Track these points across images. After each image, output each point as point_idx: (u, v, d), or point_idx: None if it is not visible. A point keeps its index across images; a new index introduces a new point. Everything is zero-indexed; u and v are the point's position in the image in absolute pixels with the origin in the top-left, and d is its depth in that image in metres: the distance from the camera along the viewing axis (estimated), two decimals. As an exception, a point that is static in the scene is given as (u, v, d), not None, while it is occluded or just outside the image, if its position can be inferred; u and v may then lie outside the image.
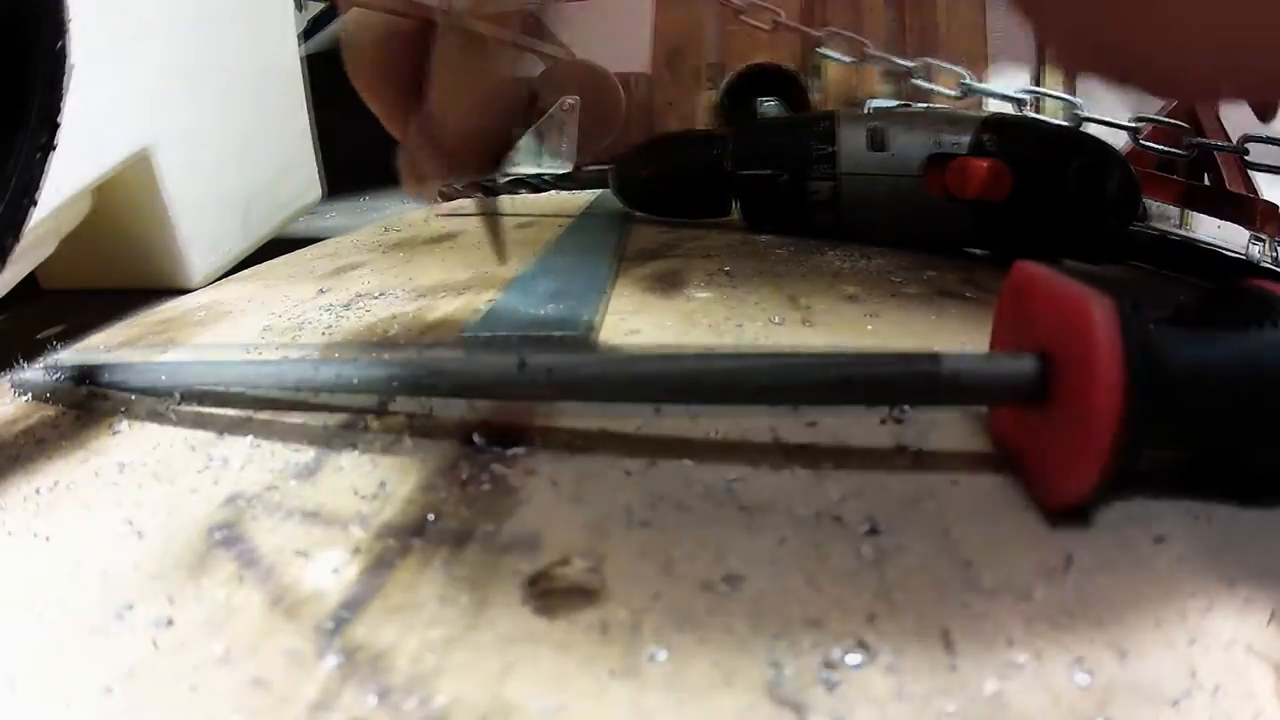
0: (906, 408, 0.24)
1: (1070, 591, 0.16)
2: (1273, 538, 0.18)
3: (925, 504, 0.19)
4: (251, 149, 0.55)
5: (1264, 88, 0.24)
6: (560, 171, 1.04)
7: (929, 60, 0.68)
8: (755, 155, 0.53)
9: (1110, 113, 0.53)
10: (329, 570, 0.17)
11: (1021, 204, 0.42)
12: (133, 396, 0.26)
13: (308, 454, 0.22)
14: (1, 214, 0.26)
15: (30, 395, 0.27)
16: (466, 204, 0.73)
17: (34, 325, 0.38)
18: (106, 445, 0.23)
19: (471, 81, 0.25)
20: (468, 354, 0.21)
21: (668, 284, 0.41)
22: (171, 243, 0.44)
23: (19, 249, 0.28)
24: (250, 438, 0.23)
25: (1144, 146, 0.52)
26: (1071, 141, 0.42)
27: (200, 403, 0.26)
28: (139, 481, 0.21)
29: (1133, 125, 0.52)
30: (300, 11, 1.06)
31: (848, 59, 0.74)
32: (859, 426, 0.24)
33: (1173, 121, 0.52)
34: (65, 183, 0.35)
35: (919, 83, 0.69)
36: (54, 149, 0.28)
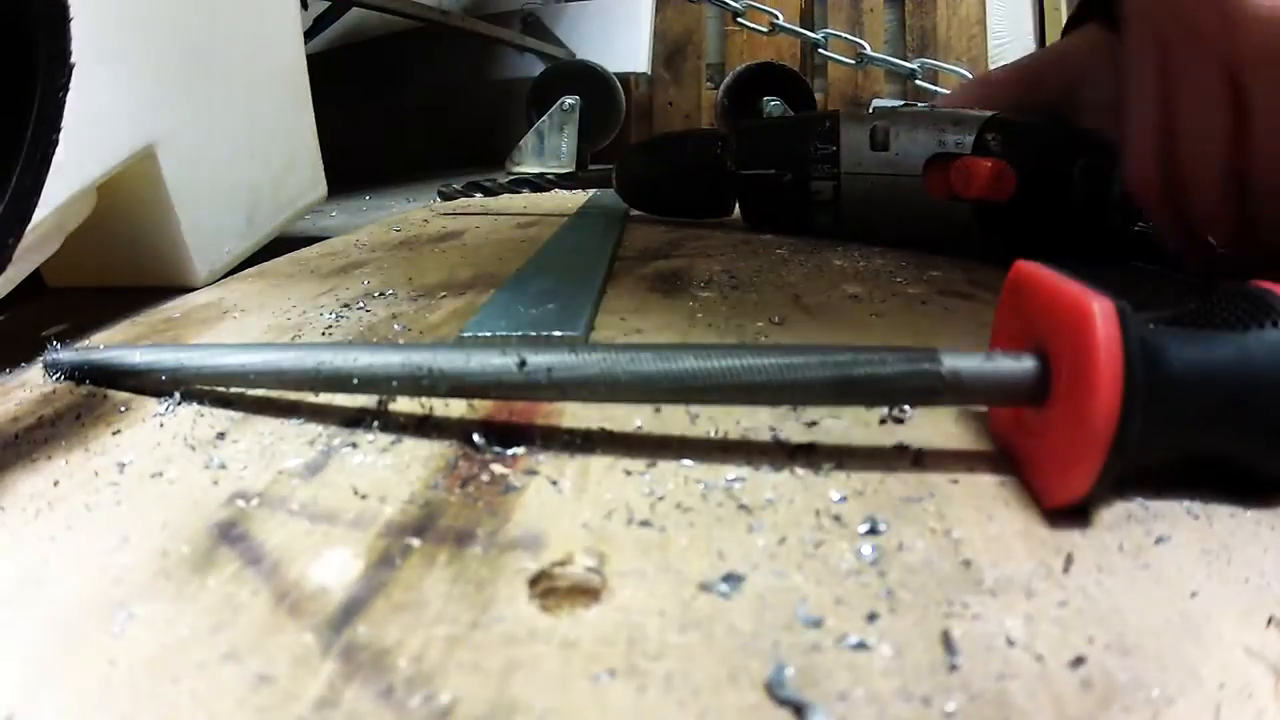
0: (906, 407, 0.24)
1: (1071, 591, 0.16)
2: (1273, 538, 0.18)
3: (925, 503, 0.19)
4: (255, 147, 0.55)
5: None
6: (562, 170, 1.04)
7: (927, 61, 0.68)
8: (757, 155, 0.53)
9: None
10: (332, 569, 0.17)
11: (1024, 204, 0.42)
12: (134, 393, 0.26)
13: (309, 454, 0.22)
14: (3, 214, 0.26)
15: (62, 376, 0.28)
16: (469, 203, 0.73)
17: (38, 323, 0.38)
18: (107, 445, 0.23)
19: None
20: (467, 354, 0.21)
21: (670, 283, 0.41)
22: (175, 241, 0.44)
23: (22, 247, 0.28)
24: (251, 438, 0.23)
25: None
26: (1075, 142, 0.42)
27: (201, 403, 0.26)
28: (140, 481, 0.21)
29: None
30: (304, 10, 1.06)
31: (848, 60, 0.74)
32: (859, 426, 0.24)
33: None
34: (69, 180, 0.35)
35: (921, 83, 0.69)
36: (55, 148, 0.28)
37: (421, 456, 0.22)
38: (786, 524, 0.18)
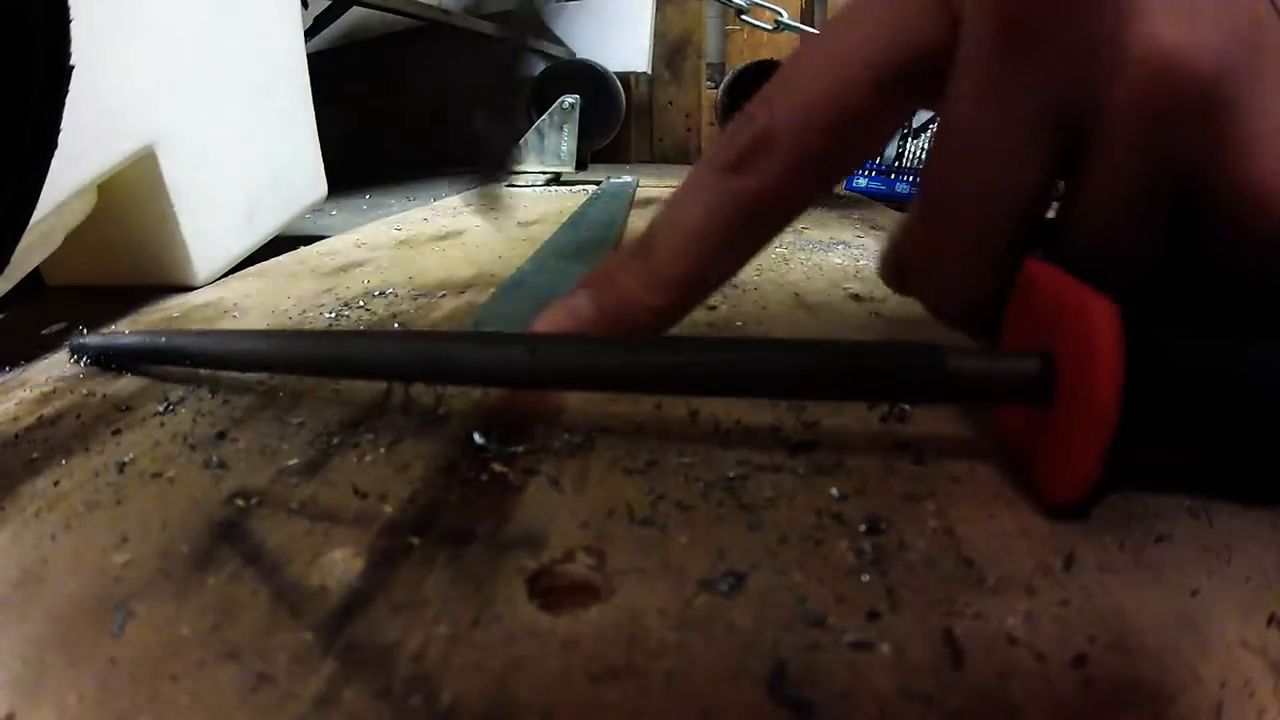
0: (907, 406, 0.24)
1: (1072, 590, 0.16)
2: (1273, 536, 0.18)
3: (926, 502, 0.19)
4: (256, 146, 0.55)
5: None
6: (563, 169, 1.04)
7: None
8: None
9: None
10: (332, 568, 0.17)
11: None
12: (134, 388, 0.26)
13: (309, 453, 0.22)
14: (3, 213, 0.26)
15: (88, 360, 0.29)
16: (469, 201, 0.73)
17: (38, 321, 0.38)
18: (107, 444, 0.23)
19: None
20: (479, 343, 0.22)
21: (669, 282, 0.41)
22: (175, 240, 0.44)
23: (22, 245, 0.28)
24: (251, 437, 0.23)
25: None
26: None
27: (201, 401, 0.26)
28: (140, 480, 0.21)
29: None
30: (305, 9, 1.06)
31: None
32: (860, 424, 0.24)
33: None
34: (69, 178, 0.35)
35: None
36: (55, 149, 0.28)
37: (422, 455, 0.22)
38: (787, 522, 0.18)
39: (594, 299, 0.23)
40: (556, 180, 1.02)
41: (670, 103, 1.83)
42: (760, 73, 1.35)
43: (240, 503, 0.20)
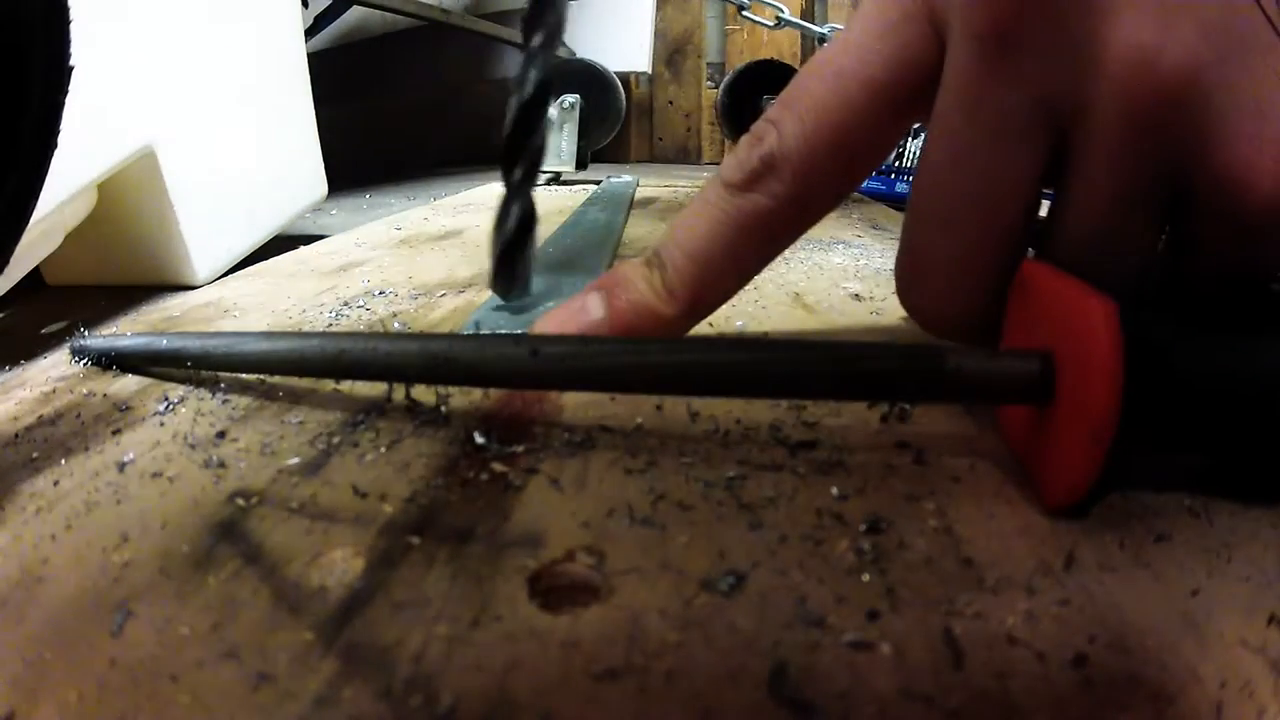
0: (907, 406, 0.24)
1: (1072, 589, 0.16)
2: (1273, 536, 0.18)
3: (926, 502, 0.19)
4: (256, 146, 0.55)
5: None
6: (563, 169, 1.04)
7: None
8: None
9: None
10: (332, 568, 0.17)
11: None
12: (134, 388, 0.26)
13: (309, 453, 0.22)
14: (3, 213, 0.26)
15: (89, 361, 0.29)
16: (469, 200, 0.73)
17: (38, 321, 0.38)
18: (107, 445, 0.23)
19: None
20: (482, 343, 0.22)
21: (670, 282, 0.41)
22: (175, 239, 0.44)
23: (23, 245, 0.28)
24: (251, 436, 0.23)
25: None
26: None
27: (201, 401, 0.26)
28: (140, 480, 0.21)
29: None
30: (305, 8, 1.06)
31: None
32: (860, 424, 0.24)
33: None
34: (69, 178, 0.35)
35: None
36: (54, 149, 0.28)
37: (422, 455, 0.22)
38: (787, 522, 0.18)
39: (605, 301, 0.24)
40: (556, 180, 1.02)
41: (670, 102, 1.83)
42: (760, 72, 1.35)
43: (240, 502, 0.20)
